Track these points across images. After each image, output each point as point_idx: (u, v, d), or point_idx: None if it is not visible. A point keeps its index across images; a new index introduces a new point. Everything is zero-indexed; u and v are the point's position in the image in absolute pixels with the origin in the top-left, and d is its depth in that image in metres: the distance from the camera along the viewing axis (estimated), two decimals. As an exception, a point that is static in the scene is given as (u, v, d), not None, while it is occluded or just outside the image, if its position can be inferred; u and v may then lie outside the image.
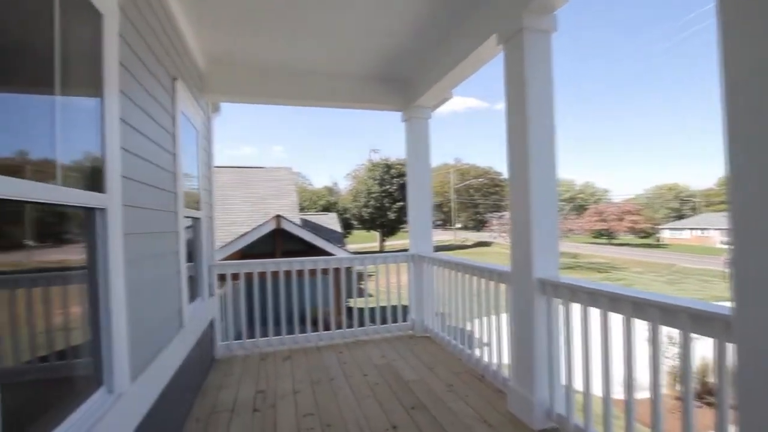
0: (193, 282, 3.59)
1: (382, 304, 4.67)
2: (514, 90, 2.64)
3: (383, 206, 38.13)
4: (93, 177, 1.64)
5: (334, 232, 15.68)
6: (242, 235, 8.54)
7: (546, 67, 2.56)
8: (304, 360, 3.86)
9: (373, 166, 41.11)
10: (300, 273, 4.43)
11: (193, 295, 3.52)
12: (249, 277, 4.34)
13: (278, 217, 9.07)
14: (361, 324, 4.54)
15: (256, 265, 4.36)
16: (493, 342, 3.18)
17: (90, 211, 1.64)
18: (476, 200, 65.62)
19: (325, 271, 4.55)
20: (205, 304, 3.67)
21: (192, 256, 3.58)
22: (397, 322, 4.66)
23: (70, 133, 1.56)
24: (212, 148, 4.39)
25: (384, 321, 4.63)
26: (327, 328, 4.45)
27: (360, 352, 4.03)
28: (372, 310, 4.64)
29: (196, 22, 3.16)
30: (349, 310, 6.79)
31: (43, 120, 1.36)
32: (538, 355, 2.53)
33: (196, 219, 3.62)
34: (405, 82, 4.61)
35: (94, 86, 1.65)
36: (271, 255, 9.48)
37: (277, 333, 4.28)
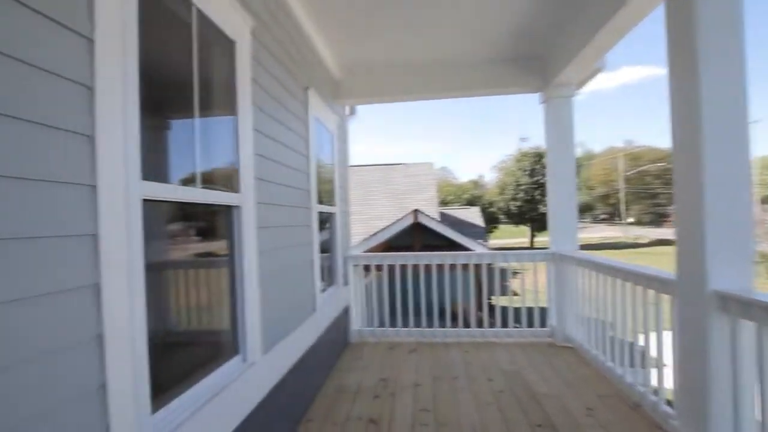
0: (329, 271, 3.98)
1: (515, 305, 4.30)
2: (679, 39, 2.03)
3: (533, 199, 35.30)
4: (231, 180, 1.95)
5: (476, 226, 15.27)
6: (381, 230, 9.10)
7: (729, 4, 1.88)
8: (429, 354, 3.86)
9: (521, 156, 38.41)
10: (437, 267, 4.44)
11: (328, 282, 3.90)
12: (390, 269, 4.54)
13: (416, 211, 9.33)
14: (492, 325, 4.28)
15: (387, 258, 4.56)
16: (655, 365, 2.55)
17: (229, 208, 1.95)
18: (653, 189, 54.15)
19: (465, 267, 4.45)
20: (340, 292, 4.02)
21: (328, 247, 3.97)
22: (533, 327, 4.23)
23: (218, 143, 1.88)
24: (347, 148, 4.76)
25: (518, 323, 4.26)
26: (466, 324, 4.35)
27: (487, 355, 3.80)
28: (504, 309, 4.32)
29: (326, 35, 3.45)
30: (491, 308, 6.54)
31: (192, 135, 1.67)
32: (716, 392, 1.91)
33: (331, 214, 3.99)
34: (541, 59, 4.10)
35: (230, 103, 1.95)
36: (410, 249, 9.83)
37: (406, 324, 4.40)
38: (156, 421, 1.32)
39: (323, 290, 3.52)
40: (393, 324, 4.44)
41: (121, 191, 1.17)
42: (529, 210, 35.82)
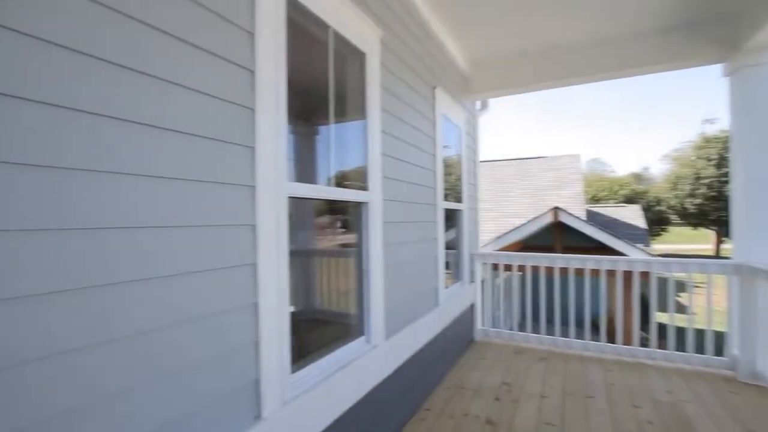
0: (454, 267, 4.01)
1: (678, 323, 3.58)
2: None
3: (721, 195, 27.98)
4: (361, 178, 2.18)
5: (634, 228, 13.05)
6: (515, 228, 8.58)
7: None
8: (562, 366, 3.53)
9: (704, 142, 30.81)
10: (575, 271, 4.05)
11: (453, 279, 3.93)
12: (521, 270, 4.34)
13: (556, 209, 8.51)
14: (646, 343, 3.66)
15: (517, 258, 4.33)
16: None
17: (359, 204, 2.18)
18: None
19: (612, 273, 3.95)
20: (465, 289, 4.01)
21: (454, 244, 4.00)
22: (704, 354, 3.45)
23: (349, 145, 2.13)
24: (477, 144, 4.67)
25: (681, 347, 3.54)
26: (611, 339, 3.86)
27: (636, 378, 3.28)
28: (662, 327, 3.66)
29: (454, 30, 3.46)
30: (645, 323, 5.59)
31: (328, 139, 1.93)
32: None
33: (458, 210, 4.00)
34: (723, 19, 3.27)
35: (360, 109, 2.17)
36: (550, 249, 9.04)
37: (536, 330, 4.11)
38: (294, 379, 1.59)
39: (447, 286, 3.57)
40: (522, 328, 4.21)
41: (272, 190, 1.46)
42: (714, 209, 28.54)
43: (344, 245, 2.28)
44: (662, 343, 3.68)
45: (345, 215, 2.25)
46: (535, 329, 4.12)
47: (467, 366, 3.56)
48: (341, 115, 2.03)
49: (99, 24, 0.95)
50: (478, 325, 4.36)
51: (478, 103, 4.73)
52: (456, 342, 3.68)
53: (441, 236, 3.31)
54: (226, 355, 1.27)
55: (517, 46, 3.86)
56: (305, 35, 1.81)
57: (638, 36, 3.56)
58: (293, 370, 1.59)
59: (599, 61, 3.76)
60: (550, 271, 4.11)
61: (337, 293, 2.25)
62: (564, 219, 8.50)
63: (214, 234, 1.24)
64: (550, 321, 4.13)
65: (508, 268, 4.41)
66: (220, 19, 1.28)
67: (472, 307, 4.23)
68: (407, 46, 2.72)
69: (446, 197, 3.53)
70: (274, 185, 1.46)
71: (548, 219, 8.58)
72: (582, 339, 3.90)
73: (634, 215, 14.77)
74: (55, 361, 0.87)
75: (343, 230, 2.37)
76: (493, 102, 4.99)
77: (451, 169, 3.81)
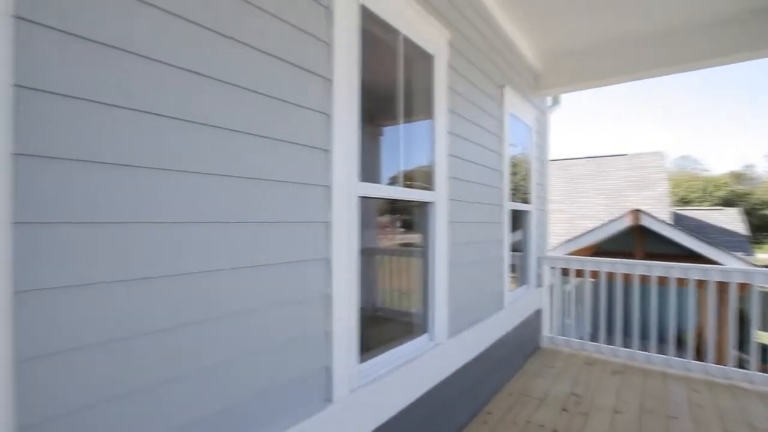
0: (520, 270, 3.88)
1: (787, 346, 3.12)
2: None
3: None
4: (427, 178, 2.22)
5: (733, 234, 11.51)
6: (588, 231, 8.00)
7: None
8: (640, 382, 3.27)
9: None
10: (657, 279, 3.73)
11: (519, 282, 3.81)
12: (594, 276, 4.09)
13: (636, 211, 7.79)
14: (744, 365, 3.25)
15: (589, 263, 4.08)
16: None
17: (424, 204, 2.23)
18: None
19: (701, 284, 3.58)
20: (531, 293, 3.87)
21: (521, 246, 3.87)
22: (821, 383, 2.98)
23: (416, 146, 2.19)
24: (547, 142, 4.47)
25: (790, 372, 3.09)
26: (699, 356, 3.51)
27: (729, 401, 2.93)
28: (764, 349, 3.22)
29: (524, 26, 3.35)
30: (742, 343, 4.97)
31: (396, 140, 2.01)
32: None
33: (525, 212, 3.87)
34: None
35: (427, 110, 2.21)
36: (628, 255, 8.32)
37: (611, 341, 3.84)
38: (361, 369, 1.69)
39: (512, 289, 3.48)
40: (594, 338, 3.95)
41: (345, 190, 1.56)
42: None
43: (404, 244, 2.34)
44: (765, 368, 3.24)
45: (403, 215, 2.31)
46: (609, 340, 3.85)
47: (532, 373, 3.44)
48: (407, 117, 2.09)
49: (204, 44, 1.11)
50: (545, 332, 4.18)
51: (549, 99, 4.52)
52: (520, 348, 3.57)
53: (507, 237, 3.24)
54: (302, 341, 1.40)
55: (591, 38, 3.63)
56: (375, 41, 1.89)
57: (735, 19, 3.16)
58: (361, 360, 1.68)
59: (688, 49, 3.40)
60: (627, 278, 3.82)
61: (397, 291, 2.31)
62: (646, 222, 7.76)
63: (295, 230, 1.36)
64: (626, 333, 3.83)
65: (579, 273, 4.17)
66: (303, 34, 1.40)
67: (538, 312, 4.07)
68: (475, 46, 2.70)
69: (513, 198, 3.43)
70: (347, 185, 1.56)
71: (627, 222, 7.89)
72: (664, 354, 3.57)
73: (732, 220, 13.01)
74: (175, 332, 1.03)
75: (402, 230, 2.43)
76: (565, 97, 4.74)
77: (518, 168, 3.69)
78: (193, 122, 1.08)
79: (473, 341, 2.62)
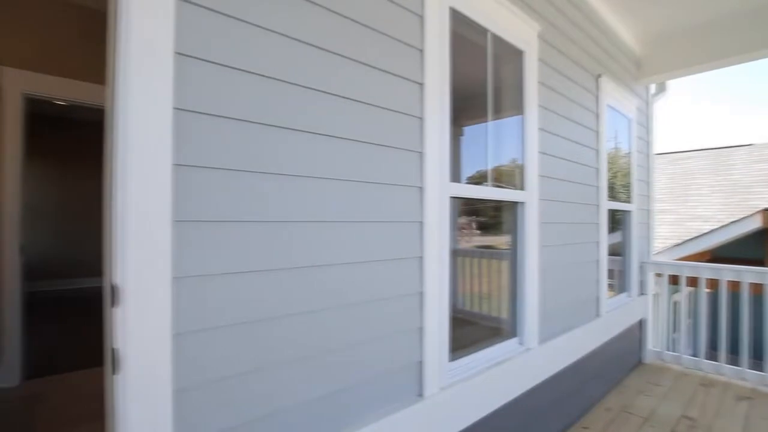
0: (619, 276, 3.55)
1: None
2: None
3: None
4: (517, 177, 2.16)
5: None
6: (704, 234, 6.96)
7: None
8: (776, 412, 2.78)
9: None
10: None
11: (618, 289, 3.49)
12: (712, 285, 3.59)
13: (765, 211, 6.58)
14: None
15: (705, 269, 3.57)
16: None
17: (514, 204, 2.17)
18: None
19: None
20: (633, 301, 3.51)
21: (620, 250, 3.54)
22: None
23: (505, 145, 2.15)
24: (651, 134, 4.02)
25: None
26: None
27: None
28: None
29: (624, 10, 3.05)
30: None
31: (485, 139, 1.99)
32: None
33: (626, 212, 3.53)
34: None
35: (516, 108, 2.15)
36: (757, 263, 7.09)
37: (736, 362, 3.32)
38: (452, 367, 1.70)
39: (610, 296, 3.20)
40: (713, 357, 3.45)
41: (437, 191, 1.59)
42: None
43: (494, 246, 2.30)
44: None
45: (480, 216, 2.26)
46: (733, 360, 3.33)
47: (634, 389, 3.13)
48: (499, 115, 2.06)
49: (319, 63, 1.23)
50: (649, 345, 3.76)
51: (653, 87, 4.06)
52: (619, 360, 3.27)
53: (604, 240, 2.99)
54: (397, 335, 1.46)
55: (700, 15, 3.18)
56: (464, 42, 1.89)
57: None
58: (451, 359, 1.70)
59: None
60: (757, 289, 3.26)
61: (477, 293, 2.28)
62: (781, 225, 6.53)
63: (393, 229, 1.44)
64: (756, 354, 3.28)
65: (692, 282, 3.67)
66: (399, 44, 1.47)
67: (640, 323, 3.68)
68: (567, 37, 2.54)
69: (612, 196, 3.16)
70: (438, 186, 1.60)
71: (755, 224, 6.72)
72: (810, 382, 2.99)
73: None
74: (295, 318, 1.16)
75: (479, 231, 2.38)
76: (672, 84, 4.21)
77: (617, 164, 3.38)
78: (312, 133, 1.20)
79: (566, 349, 2.47)
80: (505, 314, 2.22)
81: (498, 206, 2.22)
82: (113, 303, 0.92)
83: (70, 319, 4.53)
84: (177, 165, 0.96)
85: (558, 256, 2.44)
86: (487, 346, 1.99)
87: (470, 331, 2.21)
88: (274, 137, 1.13)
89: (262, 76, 1.11)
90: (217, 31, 1.02)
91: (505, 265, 2.44)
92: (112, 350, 0.92)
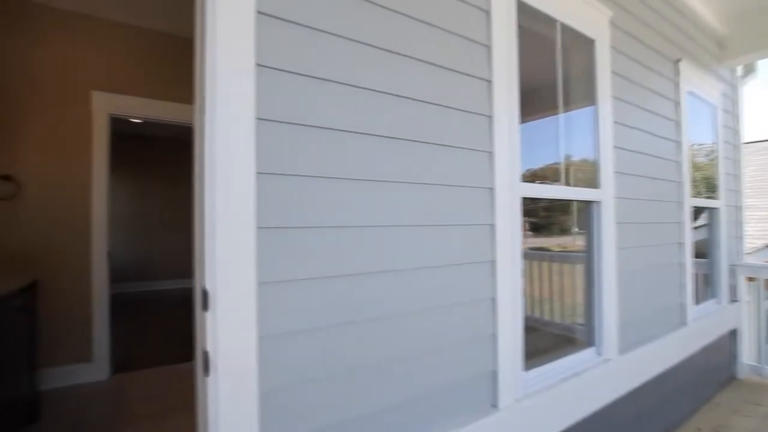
0: (705, 281, 3.20)
1: None
2: None
3: None
4: (590, 175, 2.02)
5: None
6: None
7: None
8: None
9: None
10: None
11: (705, 295, 3.15)
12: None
13: None
14: None
15: (812, 274, 3.12)
16: None
17: (588, 203, 2.03)
18: None
19: None
20: (723, 309, 3.15)
21: (706, 251, 3.20)
22: None
23: (577, 140, 2.02)
24: (740, 122, 3.60)
25: None
26: None
27: None
28: None
29: (710, -15, 2.77)
30: None
31: (555, 135, 1.88)
32: None
33: (712, 209, 3.18)
34: None
35: (588, 100, 2.01)
36: None
37: None
38: (526, 377, 1.61)
39: (697, 303, 2.89)
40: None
41: (507, 192, 1.52)
42: None
43: (566, 248, 2.16)
44: None
45: (533, 216, 2.11)
46: None
47: (727, 408, 2.79)
48: (569, 109, 1.93)
49: (396, 66, 1.21)
50: (743, 359, 3.35)
51: (739, 69, 3.64)
52: (709, 375, 2.94)
53: (688, 240, 2.71)
54: (473, 342, 1.41)
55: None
56: (531, 34, 1.80)
57: None
58: (525, 368, 1.61)
59: None
60: None
61: (561, 298, 2.14)
62: None
63: (464, 232, 1.39)
64: None
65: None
66: (466, 41, 1.42)
67: (732, 333, 3.29)
68: (641, 21, 2.34)
69: (696, 192, 2.86)
70: (509, 186, 1.52)
71: None
72: None
73: None
74: (374, 323, 1.15)
75: (532, 232, 2.23)
76: (762, 65, 3.75)
77: (701, 157, 3.06)
78: (385, 137, 1.19)
79: (648, 360, 2.26)
80: (573, 320, 2.07)
81: (552, 206, 2.08)
82: (205, 307, 0.95)
83: (146, 319, 4.92)
84: (260, 173, 0.98)
85: (637, 259, 2.24)
86: (562, 356, 1.86)
87: (538, 338, 2.08)
88: (351, 143, 1.13)
89: (337, 83, 1.11)
90: (293, 41, 1.04)
91: (569, 268, 2.29)
92: (204, 352, 0.96)
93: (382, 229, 1.19)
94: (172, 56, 3.32)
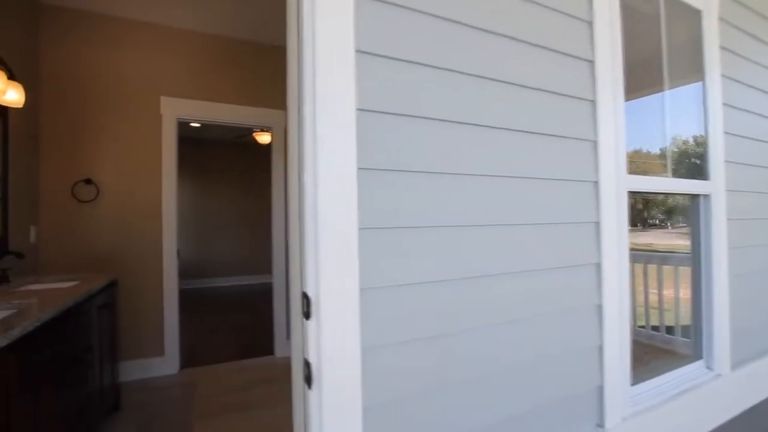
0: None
1: None
2: None
3: None
4: (696, 166, 1.78)
5: None
6: None
7: None
8: None
9: None
10: None
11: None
12: None
13: None
14: None
15: None
16: None
17: (694, 197, 1.79)
18: None
19: None
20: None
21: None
22: None
23: (680, 126, 1.79)
24: None
25: None
26: None
27: None
28: None
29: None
30: None
31: (656, 118, 1.67)
32: None
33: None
34: None
35: (693, 81, 1.77)
36: None
37: None
38: (633, 393, 1.43)
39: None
40: None
41: (613, 185, 1.35)
42: None
43: (665, 247, 1.93)
44: None
45: (663, 210, 1.89)
46: None
47: None
48: (672, 91, 1.71)
49: (495, 48, 1.09)
50: None
51: None
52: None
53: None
54: (576, 355, 1.26)
55: None
56: (631, 8, 1.60)
57: None
58: (632, 383, 1.43)
59: None
60: None
61: (658, 303, 1.92)
62: None
63: (565, 231, 1.24)
64: None
65: None
66: (566, 17, 1.27)
67: None
68: (755, -13, 2.04)
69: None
70: (615, 179, 1.35)
71: None
72: None
73: None
74: (470, 333, 1.04)
75: (660, 228, 2.01)
76: None
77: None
78: (486, 126, 1.08)
79: (766, 375, 1.97)
80: (674, 329, 1.84)
81: (680, 200, 1.85)
82: (307, 315, 0.89)
83: (207, 315, 5.12)
84: (360, 169, 0.90)
85: (752, 260, 1.96)
86: (667, 370, 1.65)
87: (636, 349, 1.86)
88: (456, 134, 1.03)
89: (434, 67, 1.01)
90: (393, 23, 0.95)
91: (668, 270, 2.04)
92: (306, 363, 0.90)
93: (481, 229, 1.08)
94: (230, 59, 3.38)
